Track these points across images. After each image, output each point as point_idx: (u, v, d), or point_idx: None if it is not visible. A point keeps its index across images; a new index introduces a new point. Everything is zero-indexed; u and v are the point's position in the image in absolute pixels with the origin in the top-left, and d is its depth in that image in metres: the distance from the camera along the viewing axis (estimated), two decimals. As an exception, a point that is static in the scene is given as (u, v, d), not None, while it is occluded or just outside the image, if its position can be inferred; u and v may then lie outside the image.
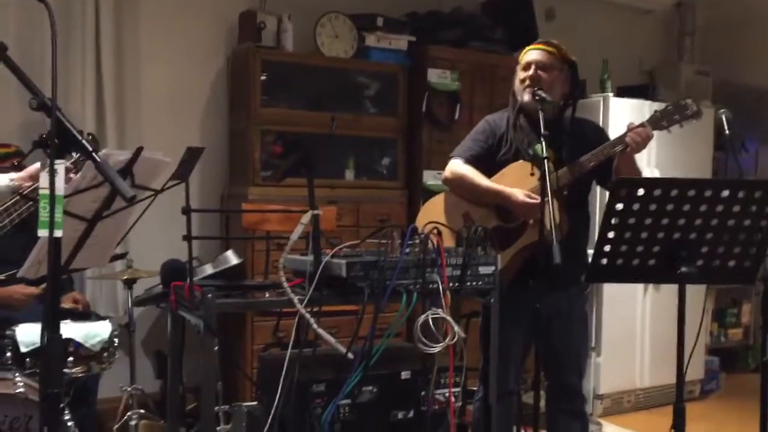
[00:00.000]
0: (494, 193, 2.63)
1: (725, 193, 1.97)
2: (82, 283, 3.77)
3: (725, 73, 5.51)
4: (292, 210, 2.89)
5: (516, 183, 2.64)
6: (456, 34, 4.40)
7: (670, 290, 2.06)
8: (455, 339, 2.03)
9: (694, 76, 5.40)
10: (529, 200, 2.53)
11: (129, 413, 3.28)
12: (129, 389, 3.35)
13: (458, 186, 2.74)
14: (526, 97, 2.63)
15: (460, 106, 4.30)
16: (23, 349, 2.63)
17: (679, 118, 2.53)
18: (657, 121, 2.55)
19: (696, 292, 2.48)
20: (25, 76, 1.45)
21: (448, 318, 2.02)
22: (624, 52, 5.34)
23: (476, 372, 2.67)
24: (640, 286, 4.37)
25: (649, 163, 4.39)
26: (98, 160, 1.41)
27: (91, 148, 1.41)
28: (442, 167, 2.84)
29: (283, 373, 1.96)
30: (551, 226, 2.20)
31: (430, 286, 2.07)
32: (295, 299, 1.99)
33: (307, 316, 1.97)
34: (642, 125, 2.54)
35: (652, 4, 5.59)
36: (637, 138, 2.51)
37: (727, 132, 2.52)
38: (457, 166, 2.75)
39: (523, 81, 2.67)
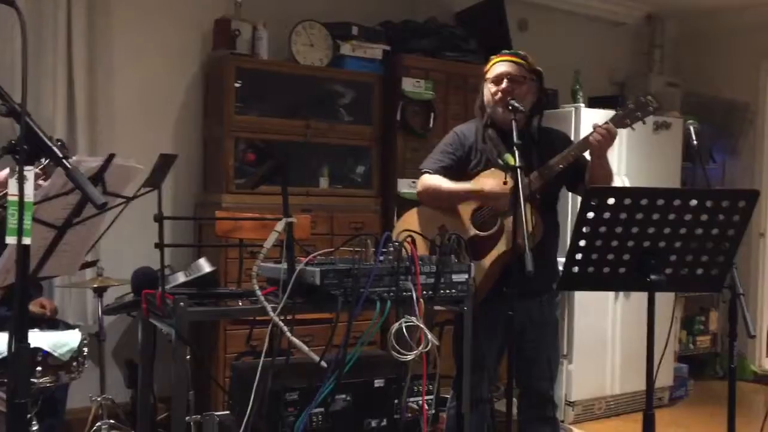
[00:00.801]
0: (473, 191, 2.64)
1: (693, 202, 2.01)
2: (51, 291, 3.71)
3: (694, 84, 5.62)
4: (266, 218, 2.87)
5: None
6: (430, 43, 4.44)
7: (640, 298, 2.09)
8: (429, 347, 2.04)
9: (663, 87, 5.50)
10: (499, 188, 2.55)
11: (98, 423, 3.24)
12: (99, 399, 3.30)
13: (434, 197, 2.74)
14: (500, 110, 2.65)
15: (435, 115, 4.32)
16: (-10, 358, 2.58)
17: (641, 115, 2.59)
18: (620, 119, 2.60)
19: (665, 301, 2.53)
20: (-5, 83, 1.43)
21: (422, 326, 2.03)
22: (595, 64, 5.42)
23: (449, 380, 2.68)
24: (610, 294, 4.42)
25: (619, 172, 4.45)
26: (68, 166, 1.40)
27: (61, 155, 1.40)
28: (417, 176, 2.85)
29: (256, 381, 1.95)
30: (524, 234, 2.22)
31: (404, 293, 2.07)
32: (269, 307, 1.98)
33: (281, 324, 1.96)
34: (606, 124, 2.58)
35: (624, 17, 5.68)
36: (599, 136, 2.55)
37: (695, 143, 2.57)
38: (428, 178, 2.76)
39: (495, 94, 2.69)
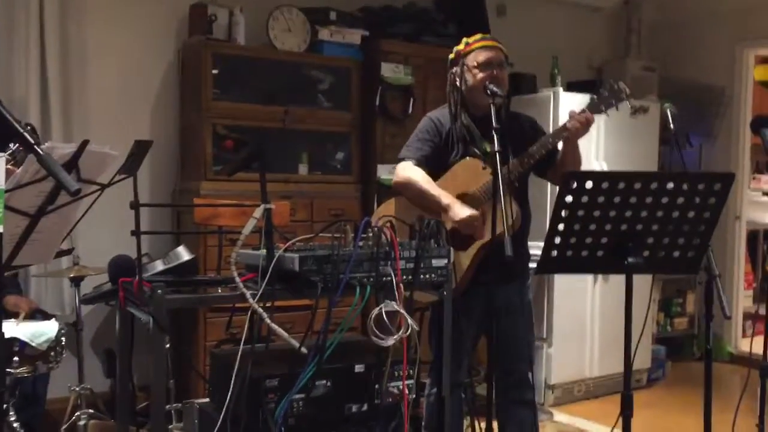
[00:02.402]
0: (440, 205, 2.58)
1: (670, 185, 2.03)
2: (27, 281, 3.66)
3: (671, 69, 5.66)
4: (244, 204, 2.85)
5: (469, 180, 2.65)
6: (409, 28, 4.42)
7: (619, 281, 2.10)
8: (409, 331, 2.04)
9: (640, 71, 5.53)
10: (468, 217, 2.51)
11: (78, 413, 3.22)
12: (77, 389, 3.28)
13: (407, 191, 2.69)
14: (482, 98, 2.60)
15: (414, 100, 4.31)
16: (-35, 350, 2.55)
17: (615, 101, 2.61)
18: (596, 106, 2.62)
19: (643, 283, 2.55)
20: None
21: (402, 311, 2.03)
22: (573, 48, 5.44)
23: (429, 365, 2.69)
24: (589, 278, 4.46)
25: (597, 156, 4.48)
26: (40, 152, 1.37)
27: (32, 141, 1.37)
28: (396, 161, 2.81)
29: (236, 369, 1.94)
30: (504, 220, 2.22)
31: (384, 279, 2.07)
32: (248, 294, 1.97)
33: (260, 310, 1.95)
34: (582, 111, 2.60)
35: (601, 2, 5.70)
36: (577, 124, 2.57)
37: (671, 126, 2.60)
38: (407, 169, 2.69)
39: (483, 80, 2.63)
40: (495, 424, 2.70)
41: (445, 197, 2.59)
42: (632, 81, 5.36)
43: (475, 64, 2.67)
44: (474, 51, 2.70)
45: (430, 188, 2.63)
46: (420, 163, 2.69)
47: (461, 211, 2.54)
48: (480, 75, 2.65)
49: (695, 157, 5.53)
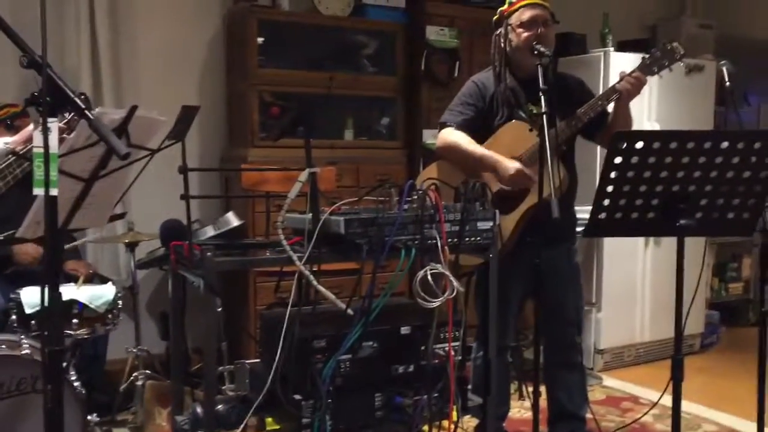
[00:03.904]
0: (487, 164, 2.57)
1: (724, 144, 1.96)
2: (84, 247, 3.79)
3: (728, 26, 5.43)
4: (291, 168, 2.88)
5: (514, 143, 2.62)
6: (454, -10, 4.35)
7: (671, 245, 2.06)
8: (454, 293, 2.04)
9: (696, 29, 5.33)
10: (518, 171, 2.50)
11: (135, 374, 3.33)
12: (135, 350, 3.39)
13: (452, 155, 2.67)
14: (528, 58, 2.54)
15: (460, 63, 4.26)
16: (28, 311, 2.66)
17: (668, 62, 2.53)
18: (648, 67, 2.55)
19: (696, 247, 2.49)
20: (15, 34, 1.43)
21: (447, 273, 2.03)
22: (625, 6, 5.26)
23: (474, 330, 2.70)
24: (640, 241, 4.38)
25: (649, 118, 4.36)
26: (91, 117, 1.41)
27: (83, 106, 1.40)
28: (439, 126, 2.79)
29: (284, 329, 1.97)
30: (551, 182, 2.19)
31: (429, 242, 2.07)
32: (294, 256, 1.99)
33: (306, 272, 1.98)
34: (635, 72, 2.53)
35: (655, -44, 5.50)
36: (628, 85, 2.51)
37: (727, 84, 2.51)
38: (449, 134, 2.67)
39: (528, 39, 2.58)
40: (543, 389, 2.70)
41: (492, 155, 2.57)
42: (687, 39, 5.17)
43: (519, 23, 2.61)
44: (518, 10, 2.64)
45: (475, 149, 2.61)
46: (462, 128, 2.67)
47: (511, 165, 2.52)
48: (525, 34, 2.60)
49: (753, 118, 5.34)
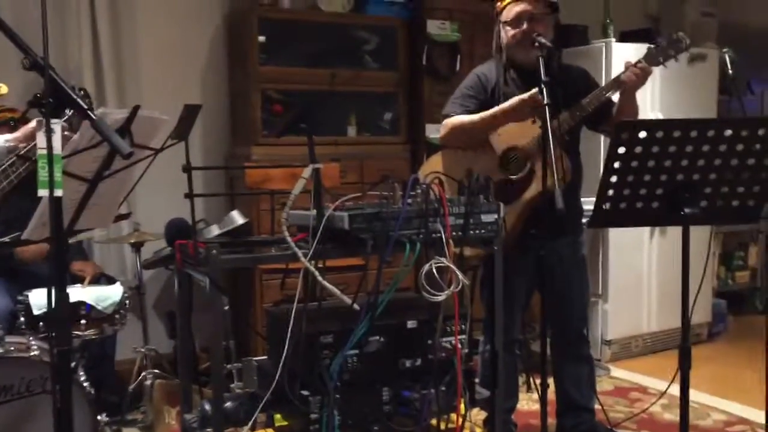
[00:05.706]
0: (497, 114, 2.56)
1: (728, 132, 1.95)
2: (90, 247, 3.80)
3: (731, 14, 5.39)
4: (295, 165, 2.88)
5: (518, 134, 2.61)
6: (454, -17, 4.34)
7: (677, 235, 2.05)
8: (460, 287, 2.04)
9: (699, 17, 5.29)
10: (521, 100, 2.48)
11: (144, 373, 3.34)
12: (143, 350, 3.41)
13: (457, 135, 2.67)
14: (522, 53, 2.56)
15: (461, 57, 4.25)
16: (36, 312, 2.68)
17: (674, 52, 2.51)
18: (653, 57, 2.52)
19: (701, 236, 2.48)
20: (17, 36, 1.44)
21: (452, 266, 2.03)
22: (627, -4, 5.24)
23: (481, 323, 2.70)
24: (646, 232, 4.37)
25: (653, 107, 4.35)
26: (94, 117, 1.41)
27: (86, 106, 1.41)
28: (442, 118, 2.78)
29: (290, 326, 1.98)
30: (554, 173, 2.19)
31: (433, 235, 2.07)
32: (299, 252, 2.00)
33: (311, 268, 1.98)
34: (640, 63, 2.51)
35: (656, -56, 5.46)
36: (632, 76, 2.49)
37: (730, 72, 2.50)
38: (451, 120, 2.68)
39: (514, 36, 2.60)
40: (551, 381, 2.70)
41: (501, 106, 2.56)
42: (690, 27, 5.14)
43: (507, 20, 2.62)
44: (506, 7, 2.64)
45: (483, 114, 2.60)
46: None
47: (512, 100, 2.51)
48: (511, 32, 2.61)
49: (757, 105, 5.30)
